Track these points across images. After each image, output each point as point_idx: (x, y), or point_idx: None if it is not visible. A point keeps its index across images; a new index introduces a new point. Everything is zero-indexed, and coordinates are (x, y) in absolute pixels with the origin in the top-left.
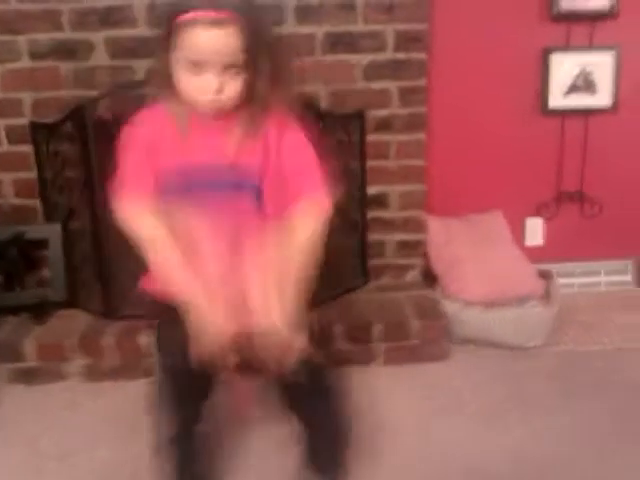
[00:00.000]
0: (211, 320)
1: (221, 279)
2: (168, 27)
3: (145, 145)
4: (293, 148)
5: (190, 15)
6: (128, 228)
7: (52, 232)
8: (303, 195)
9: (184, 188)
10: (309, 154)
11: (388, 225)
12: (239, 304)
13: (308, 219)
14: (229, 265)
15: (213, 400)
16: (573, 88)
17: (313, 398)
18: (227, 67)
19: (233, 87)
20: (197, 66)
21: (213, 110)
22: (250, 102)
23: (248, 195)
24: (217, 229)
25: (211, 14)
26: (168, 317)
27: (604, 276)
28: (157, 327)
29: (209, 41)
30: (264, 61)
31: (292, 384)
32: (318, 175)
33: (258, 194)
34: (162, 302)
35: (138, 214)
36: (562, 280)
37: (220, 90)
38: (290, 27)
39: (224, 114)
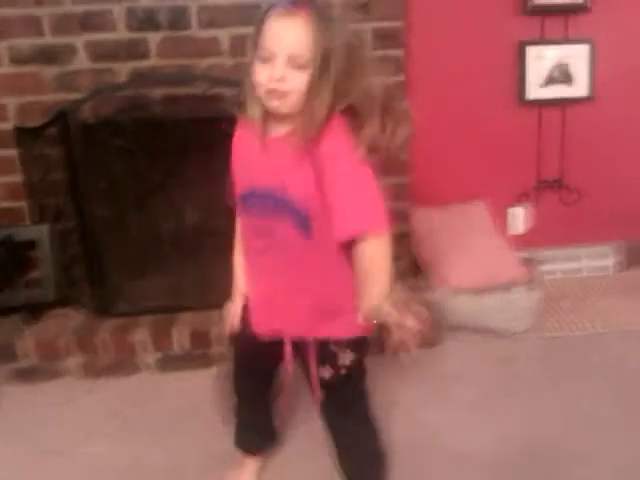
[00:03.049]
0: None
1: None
2: (256, 28)
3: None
4: (348, 174)
5: (271, 10)
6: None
7: (40, 233)
8: (362, 230)
9: (245, 208)
10: (366, 183)
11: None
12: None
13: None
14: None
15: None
16: (550, 80)
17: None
18: (292, 59)
19: (296, 80)
20: (267, 55)
21: (273, 105)
22: (311, 106)
23: (295, 218)
24: (266, 253)
25: (287, 7)
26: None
27: (585, 261)
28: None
29: (279, 31)
30: (334, 64)
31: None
32: (376, 207)
33: (306, 218)
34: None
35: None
36: (545, 267)
37: (282, 79)
38: None
39: (285, 117)
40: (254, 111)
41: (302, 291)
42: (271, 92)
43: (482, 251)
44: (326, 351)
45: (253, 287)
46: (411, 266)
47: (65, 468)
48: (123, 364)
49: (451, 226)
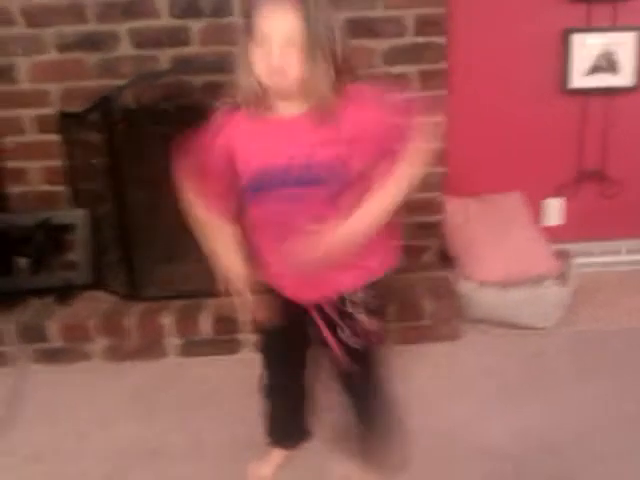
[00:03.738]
0: (228, 266)
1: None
2: (248, 16)
3: (223, 153)
4: (376, 122)
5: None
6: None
7: (78, 217)
8: (399, 153)
9: (260, 188)
10: (386, 117)
11: (405, 206)
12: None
13: (408, 163)
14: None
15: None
16: (595, 68)
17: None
18: (287, 39)
19: (295, 60)
20: (264, 39)
21: (275, 83)
22: (315, 86)
23: (324, 191)
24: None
25: None
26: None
27: (625, 255)
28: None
29: (271, 15)
30: (325, 44)
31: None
32: (407, 130)
33: (337, 189)
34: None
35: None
36: (582, 259)
37: (282, 60)
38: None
39: (291, 95)
40: (250, 93)
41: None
42: (273, 72)
43: (514, 244)
44: (342, 312)
45: (275, 263)
46: (442, 257)
47: (90, 449)
48: (149, 348)
49: (485, 217)
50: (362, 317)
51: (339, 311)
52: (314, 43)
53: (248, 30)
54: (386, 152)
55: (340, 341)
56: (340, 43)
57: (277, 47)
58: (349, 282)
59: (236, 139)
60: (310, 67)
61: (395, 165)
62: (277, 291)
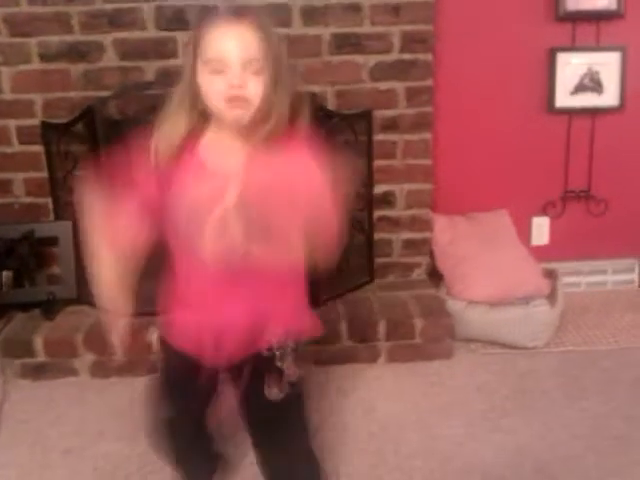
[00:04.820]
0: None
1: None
2: (194, 38)
3: (155, 179)
4: (308, 183)
5: (212, 21)
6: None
7: (62, 230)
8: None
9: (195, 225)
10: (321, 186)
11: (394, 224)
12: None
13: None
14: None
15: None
16: (580, 87)
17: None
18: (248, 64)
19: (254, 85)
20: (217, 66)
21: (236, 115)
22: (268, 114)
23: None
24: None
25: (229, 16)
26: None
27: (611, 275)
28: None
29: (226, 39)
30: (278, 67)
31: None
32: (330, 208)
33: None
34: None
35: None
36: (569, 279)
37: (242, 86)
38: (297, 28)
39: (245, 129)
40: (181, 127)
41: (254, 302)
42: (233, 100)
43: (502, 262)
44: (268, 366)
45: (193, 311)
46: (431, 274)
47: (72, 467)
48: (135, 364)
49: (473, 235)
50: (289, 367)
51: (265, 365)
52: (276, 66)
53: (195, 57)
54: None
55: (259, 397)
56: (286, 67)
57: (238, 73)
58: (282, 329)
59: (173, 174)
60: (272, 94)
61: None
62: (185, 352)
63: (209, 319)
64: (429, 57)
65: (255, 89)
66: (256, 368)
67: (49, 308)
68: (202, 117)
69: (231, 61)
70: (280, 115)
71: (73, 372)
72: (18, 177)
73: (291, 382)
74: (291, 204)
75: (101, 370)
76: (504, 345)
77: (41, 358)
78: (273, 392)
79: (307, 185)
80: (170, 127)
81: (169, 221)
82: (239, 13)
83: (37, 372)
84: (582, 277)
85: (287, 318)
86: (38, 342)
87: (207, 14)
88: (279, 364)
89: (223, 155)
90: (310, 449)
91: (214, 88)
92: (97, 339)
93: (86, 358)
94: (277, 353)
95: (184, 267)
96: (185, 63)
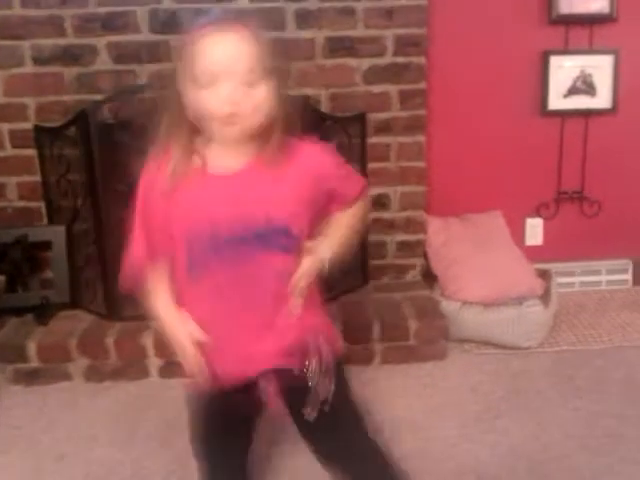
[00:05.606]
0: (177, 336)
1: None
2: (183, 50)
3: (158, 204)
4: (326, 169)
5: (203, 30)
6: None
7: (56, 234)
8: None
9: (210, 246)
10: (338, 164)
11: (389, 226)
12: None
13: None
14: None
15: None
16: (573, 90)
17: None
18: (243, 75)
19: (251, 98)
20: (209, 79)
21: (232, 130)
22: (269, 125)
23: (282, 243)
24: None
25: (217, 25)
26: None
27: (604, 275)
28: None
29: (218, 50)
30: (273, 76)
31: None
32: (354, 179)
33: (294, 238)
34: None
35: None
36: (562, 279)
37: (241, 99)
38: (291, 32)
39: (243, 141)
40: (182, 143)
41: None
42: (230, 116)
43: (496, 263)
44: (301, 386)
45: (212, 332)
46: (425, 276)
47: (65, 473)
48: (130, 368)
49: (466, 236)
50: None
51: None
52: (272, 75)
53: (184, 72)
54: (335, 197)
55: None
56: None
57: (234, 86)
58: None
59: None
60: (270, 105)
61: (347, 206)
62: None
63: (234, 349)
64: (422, 60)
65: (251, 102)
66: (285, 388)
67: (42, 313)
68: (201, 134)
69: (222, 74)
70: (279, 123)
71: (67, 377)
72: (11, 181)
73: (324, 401)
74: (316, 190)
75: (95, 374)
76: (498, 345)
77: (34, 363)
78: (308, 413)
79: (321, 165)
80: (175, 154)
81: (179, 238)
82: (229, 20)
83: (30, 377)
84: (576, 277)
85: (326, 334)
86: (31, 347)
87: (196, 23)
88: (311, 384)
89: (228, 164)
90: (373, 442)
91: (207, 103)
92: (91, 343)
93: (80, 362)
94: (310, 374)
95: (192, 293)
96: (176, 79)
